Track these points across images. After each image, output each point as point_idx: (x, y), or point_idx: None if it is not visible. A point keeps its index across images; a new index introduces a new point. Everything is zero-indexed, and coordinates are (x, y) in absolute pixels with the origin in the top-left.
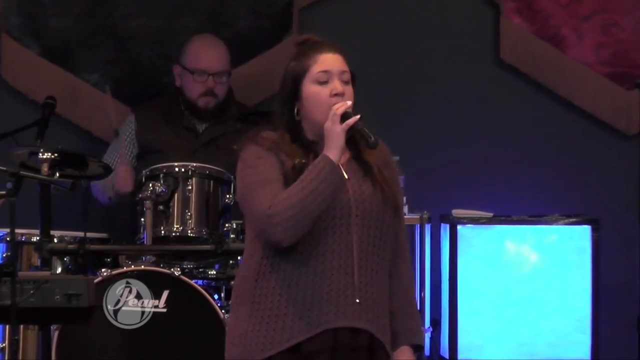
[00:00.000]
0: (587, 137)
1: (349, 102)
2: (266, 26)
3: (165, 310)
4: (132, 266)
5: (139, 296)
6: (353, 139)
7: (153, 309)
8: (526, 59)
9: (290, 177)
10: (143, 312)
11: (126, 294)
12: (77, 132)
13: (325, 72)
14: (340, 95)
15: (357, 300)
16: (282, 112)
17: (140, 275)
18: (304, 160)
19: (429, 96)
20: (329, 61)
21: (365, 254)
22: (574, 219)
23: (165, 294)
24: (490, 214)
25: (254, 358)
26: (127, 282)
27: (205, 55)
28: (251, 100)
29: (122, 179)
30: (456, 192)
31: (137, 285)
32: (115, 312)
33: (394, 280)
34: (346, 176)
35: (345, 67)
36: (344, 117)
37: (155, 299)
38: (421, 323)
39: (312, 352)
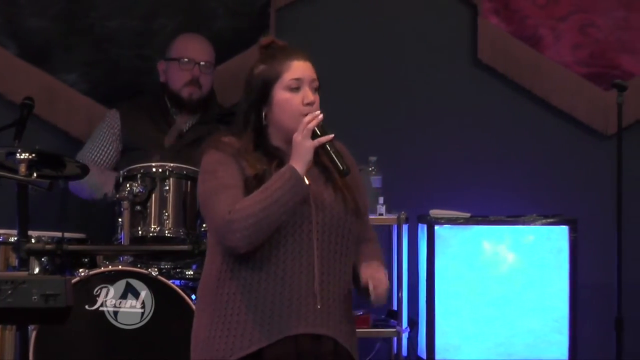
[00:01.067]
0: (565, 137)
1: (320, 116)
2: (243, 26)
3: (142, 310)
4: (110, 266)
5: (116, 296)
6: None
7: (130, 309)
8: (503, 59)
9: (251, 184)
10: (120, 313)
11: (103, 294)
12: (55, 132)
13: (297, 79)
14: (311, 104)
15: (319, 307)
16: (247, 116)
17: (117, 276)
18: (265, 168)
19: (406, 96)
20: (301, 69)
21: (326, 261)
22: (551, 219)
23: (142, 294)
24: (468, 214)
25: None
26: (104, 283)
27: (193, 44)
28: (228, 100)
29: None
30: (434, 193)
31: (114, 286)
32: (93, 312)
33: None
34: (307, 182)
35: (315, 75)
36: (315, 132)
37: (133, 299)
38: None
39: (273, 358)
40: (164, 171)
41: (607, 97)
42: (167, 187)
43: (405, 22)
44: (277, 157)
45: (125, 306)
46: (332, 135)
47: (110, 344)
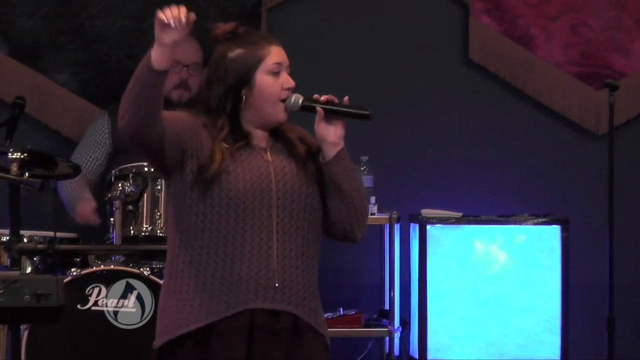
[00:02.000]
0: (556, 137)
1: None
2: None
3: (134, 309)
4: (102, 266)
5: (108, 296)
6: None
7: (122, 309)
8: (495, 58)
9: (214, 163)
10: (112, 312)
11: (95, 293)
12: (46, 132)
13: (278, 63)
14: (290, 89)
15: (277, 284)
16: (224, 99)
17: (109, 275)
18: (227, 146)
19: (398, 96)
20: (281, 53)
21: (288, 236)
22: (543, 219)
23: (134, 293)
24: (460, 214)
25: (172, 333)
26: (96, 282)
27: (180, 47)
28: None
29: (81, 218)
30: (425, 192)
31: (106, 285)
32: (85, 312)
33: None
34: (270, 159)
35: (288, 61)
36: (310, 106)
37: (124, 298)
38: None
39: (226, 329)
40: (155, 171)
41: (598, 96)
42: (159, 187)
43: (397, 22)
44: (245, 139)
45: (117, 305)
46: (325, 96)
47: (102, 343)
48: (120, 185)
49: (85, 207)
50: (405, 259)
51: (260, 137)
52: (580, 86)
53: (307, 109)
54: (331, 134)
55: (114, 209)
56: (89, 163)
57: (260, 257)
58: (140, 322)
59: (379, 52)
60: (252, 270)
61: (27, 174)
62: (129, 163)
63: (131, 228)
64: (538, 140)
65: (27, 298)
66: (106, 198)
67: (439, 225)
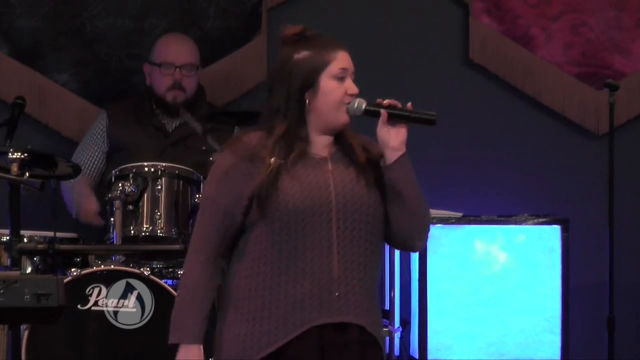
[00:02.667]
0: (557, 137)
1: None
2: (235, 26)
3: (134, 310)
4: (102, 266)
5: (108, 296)
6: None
7: (122, 309)
8: (495, 58)
9: (263, 183)
10: (112, 312)
11: (95, 293)
12: (47, 132)
13: (344, 69)
14: (354, 95)
15: (337, 294)
16: (287, 101)
17: (109, 275)
18: (282, 161)
19: (397, 96)
20: (347, 59)
21: (348, 247)
22: (543, 219)
23: (134, 293)
24: (460, 214)
25: None
26: (97, 282)
27: (172, 48)
28: (220, 100)
29: (85, 217)
30: (425, 192)
31: (107, 285)
32: (85, 312)
33: None
34: (330, 168)
35: (354, 67)
36: (370, 111)
37: (124, 298)
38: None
39: (298, 352)
40: (156, 171)
41: (598, 96)
42: (159, 187)
43: (397, 22)
44: (303, 147)
45: (117, 306)
46: (388, 100)
47: (102, 343)
48: (120, 185)
49: (89, 207)
50: (406, 259)
51: (322, 145)
52: (580, 86)
53: (371, 113)
54: (393, 139)
55: (114, 209)
56: (87, 163)
57: (321, 271)
58: (140, 322)
59: (379, 52)
60: (314, 287)
61: (27, 174)
62: (129, 163)
63: (131, 228)
64: (538, 140)
65: (27, 298)
66: (106, 198)
67: (439, 225)
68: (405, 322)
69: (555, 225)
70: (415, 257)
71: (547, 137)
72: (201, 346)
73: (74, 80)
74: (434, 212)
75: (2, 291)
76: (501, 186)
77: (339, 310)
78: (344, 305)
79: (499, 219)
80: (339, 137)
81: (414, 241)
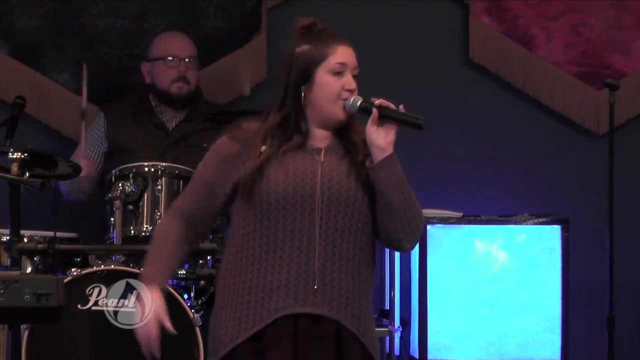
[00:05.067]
0: (557, 137)
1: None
2: (235, 26)
3: (134, 310)
4: (102, 266)
5: (108, 296)
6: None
7: (122, 309)
8: (495, 58)
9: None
10: (112, 312)
11: (95, 293)
12: (47, 132)
13: (342, 64)
14: (352, 91)
15: (315, 287)
16: (285, 94)
17: (109, 275)
18: (273, 150)
19: (397, 96)
20: (347, 54)
21: (331, 240)
22: (543, 219)
23: (134, 293)
24: (460, 214)
25: (225, 348)
26: (97, 282)
27: (174, 42)
28: (220, 99)
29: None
30: (425, 192)
31: (107, 285)
32: (85, 311)
33: None
34: (322, 159)
35: (357, 63)
36: (363, 109)
37: (124, 298)
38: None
39: (272, 338)
40: (156, 170)
41: (598, 96)
42: (159, 187)
43: (397, 22)
44: (299, 137)
45: (117, 305)
46: (380, 100)
47: (102, 343)
48: (120, 185)
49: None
50: (406, 259)
51: (321, 137)
52: (580, 86)
53: (364, 110)
54: (381, 138)
55: (114, 208)
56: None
57: (300, 260)
58: (140, 322)
59: (379, 52)
60: (291, 275)
61: (27, 174)
62: (129, 163)
63: (131, 228)
64: (538, 140)
65: (27, 298)
66: (106, 198)
67: (439, 225)
68: (405, 322)
69: (555, 225)
70: (415, 257)
71: (547, 137)
72: (159, 289)
73: (74, 80)
74: (434, 212)
75: (2, 291)
76: (501, 186)
77: (313, 302)
78: (320, 297)
79: (499, 218)
80: (343, 132)
81: (400, 242)
